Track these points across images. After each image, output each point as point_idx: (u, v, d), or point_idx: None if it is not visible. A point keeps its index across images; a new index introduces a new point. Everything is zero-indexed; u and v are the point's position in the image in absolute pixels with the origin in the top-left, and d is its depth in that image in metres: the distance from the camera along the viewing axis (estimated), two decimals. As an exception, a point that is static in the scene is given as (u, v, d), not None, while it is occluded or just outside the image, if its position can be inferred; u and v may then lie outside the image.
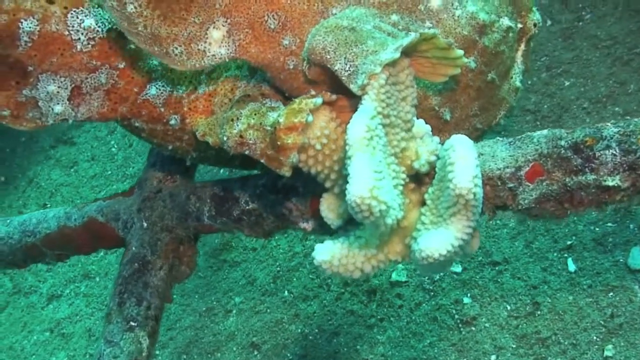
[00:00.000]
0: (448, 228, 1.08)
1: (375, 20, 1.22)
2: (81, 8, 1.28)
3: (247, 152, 1.24)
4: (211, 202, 1.64)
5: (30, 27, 1.24)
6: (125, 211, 1.78)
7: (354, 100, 1.16)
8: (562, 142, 1.22)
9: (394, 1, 1.27)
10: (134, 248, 1.71)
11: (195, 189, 1.70)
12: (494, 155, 1.26)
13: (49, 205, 4.55)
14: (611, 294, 2.65)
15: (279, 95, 1.35)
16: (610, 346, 2.53)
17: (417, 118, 1.21)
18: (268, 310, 3.29)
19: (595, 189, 1.19)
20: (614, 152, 1.17)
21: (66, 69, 1.30)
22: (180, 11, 1.17)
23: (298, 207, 1.51)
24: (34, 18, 1.24)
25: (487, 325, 2.77)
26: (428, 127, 1.21)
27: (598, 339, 2.56)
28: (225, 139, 1.26)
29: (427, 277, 3.02)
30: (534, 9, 1.54)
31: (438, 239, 1.07)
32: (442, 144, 1.14)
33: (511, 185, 1.24)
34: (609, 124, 1.21)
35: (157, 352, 3.36)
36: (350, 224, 1.25)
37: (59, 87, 1.31)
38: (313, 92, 1.26)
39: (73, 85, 1.32)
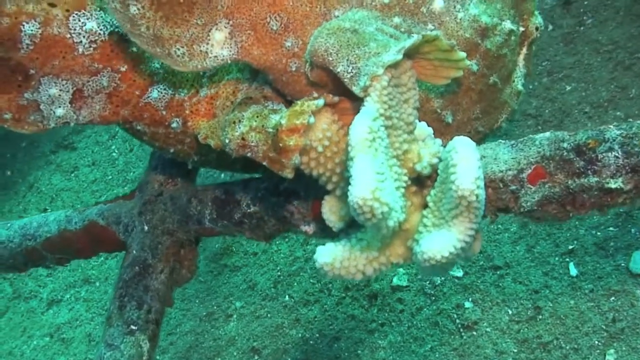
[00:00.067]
0: (450, 230, 1.07)
1: (377, 23, 1.22)
2: (83, 11, 1.28)
3: (249, 155, 1.24)
4: (212, 205, 1.64)
5: (32, 30, 1.24)
6: (126, 214, 1.78)
7: (356, 103, 1.16)
8: (565, 145, 1.22)
9: (396, 4, 1.27)
10: (134, 251, 1.71)
11: (196, 192, 1.70)
12: (496, 158, 1.26)
13: (49, 210, 4.55)
14: (613, 298, 2.64)
15: (281, 98, 1.35)
16: (612, 351, 2.52)
17: (419, 121, 1.21)
18: (269, 315, 3.28)
19: (597, 192, 1.19)
20: (617, 155, 1.17)
21: (68, 72, 1.30)
22: (182, 13, 1.17)
23: (300, 210, 1.51)
24: (35, 21, 1.24)
25: (488, 329, 2.77)
26: (430, 130, 1.20)
27: (600, 344, 2.55)
28: (227, 141, 1.26)
29: (428, 282, 3.01)
30: (536, 12, 1.54)
31: (440, 241, 1.06)
32: (444, 147, 1.14)
33: (513, 187, 1.24)
34: (611, 126, 1.21)
35: (158, 357, 3.35)
36: (352, 226, 1.25)
37: (60, 90, 1.31)
38: (315, 94, 1.26)
39: (75, 89, 1.32)
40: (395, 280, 3.06)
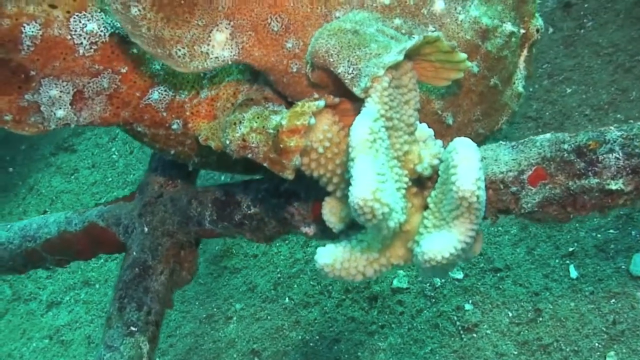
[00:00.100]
0: (451, 231, 1.07)
1: (378, 24, 1.22)
2: (84, 12, 1.28)
3: (249, 156, 1.23)
4: (213, 207, 1.64)
5: (32, 32, 1.24)
6: (126, 216, 1.78)
7: (357, 104, 1.16)
8: (565, 146, 1.22)
9: (397, 5, 1.27)
10: (134, 253, 1.71)
11: (196, 193, 1.70)
12: (496, 159, 1.26)
13: (49, 213, 4.55)
14: (613, 300, 2.65)
15: (282, 99, 1.35)
16: (612, 353, 2.52)
17: (420, 122, 1.21)
18: (269, 317, 3.28)
19: (598, 193, 1.19)
20: (617, 156, 1.17)
21: (68, 73, 1.30)
22: (183, 14, 1.17)
23: (300, 212, 1.51)
24: (36, 22, 1.24)
25: (488, 332, 2.77)
26: (431, 131, 1.20)
27: (600, 346, 2.55)
28: (227, 142, 1.26)
29: (428, 284, 3.01)
30: (537, 14, 1.54)
31: (441, 242, 1.06)
32: (445, 148, 1.14)
33: (514, 189, 1.24)
34: (612, 127, 1.21)
35: (157, 359, 3.35)
36: (352, 228, 1.25)
37: (61, 91, 1.31)
38: (316, 96, 1.26)
39: (75, 90, 1.32)
40: (395, 283, 3.06)
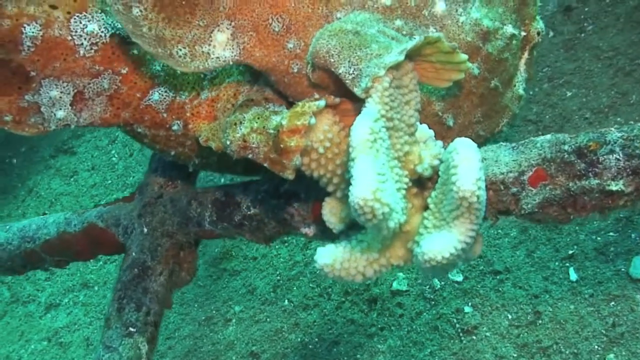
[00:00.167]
0: (451, 231, 1.07)
1: (379, 25, 1.22)
2: (84, 13, 1.28)
3: (250, 156, 1.23)
4: (212, 207, 1.64)
5: (33, 32, 1.24)
6: (126, 217, 1.78)
7: (358, 104, 1.16)
8: (566, 147, 1.22)
9: (398, 6, 1.27)
10: (134, 253, 1.71)
11: (196, 194, 1.69)
12: (497, 160, 1.26)
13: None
14: (613, 303, 2.65)
15: (283, 100, 1.35)
16: (611, 355, 2.52)
17: (421, 123, 1.21)
18: (268, 319, 3.28)
19: (598, 194, 1.19)
20: (618, 157, 1.17)
21: (69, 74, 1.30)
22: (184, 14, 1.17)
23: (300, 212, 1.51)
24: (36, 23, 1.24)
25: (488, 334, 2.76)
26: (431, 132, 1.20)
27: (599, 348, 2.55)
28: (228, 143, 1.26)
29: (427, 286, 3.01)
30: (538, 17, 1.55)
31: (441, 242, 1.06)
32: (445, 149, 1.14)
33: (514, 189, 1.24)
34: (612, 128, 1.21)
35: (156, 361, 3.35)
36: (352, 228, 1.25)
37: (61, 92, 1.31)
38: (317, 96, 1.26)
39: (75, 91, 1.32)
40: (395, 285, 3.06)
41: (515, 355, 2.66)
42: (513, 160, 1.25)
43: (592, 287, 2.72)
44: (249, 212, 1.59)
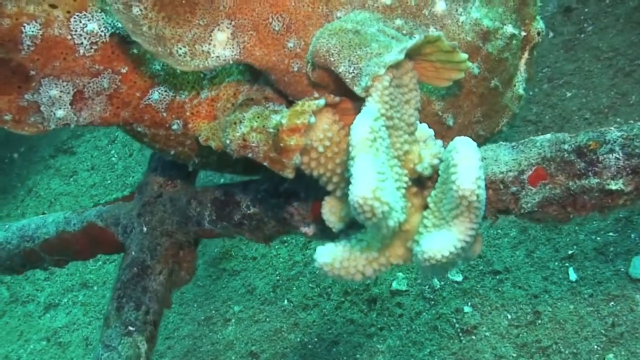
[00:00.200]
0: (450, 230, 1.07)
1: (379, 24, 1.22)
2: (84, 12, 1.28)
3: (250, 155, 1.23)
4: (212, 207, 1.64)
5: (32, 31, 1.24)
6: (125, 216, 1.78)
7: (357, 103, 1.16)
8: (566, 146, 1.22)
9: (398, 6, 1.27)
10: (133, 252, 1.71)
11: (196, 193, 1.69)
12: (496, 159, 1.26)
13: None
14: (612, 303, 2.65)
15: (283, 99, 1.35)
16: (611, 355, 2.52)
17: (420, 122, 1.21)
18: (267, 319, 3.28)
19: (598, 193, 1.19)
20: (618, 156, 1.17)
21: (68, 73, 1.30)
22: (185, 13, 1.18)
23: (299, 211, 1.51)
24: (36, 22, 1.24)
25: (487, 334, 2.76)
26: (431, 131, 1.20)
27: (599, 348, 2.55)
28: (227, 142, 1.26)
29: (427, 286, 3.01)
30: (538, 17, 1.55)
31: (440, 241, 1.06)
32: (445, 148, 1.14)
33: (514, 189, 1.24)
34: (612, 128, 1.21)
35: (155, 361, 3.35)
36: (352, 227, 1.25)
37: (61, 91, 1.31)
38: (317, 95, 1.26)
39: (75, 90, 1.32)
40: (394, 285, 3.06)
41: (514, 355, 2.66)
42: (513, 160, 1.25)
43: (591, 287, 2.72)
44: (248, 211, 1.59)
